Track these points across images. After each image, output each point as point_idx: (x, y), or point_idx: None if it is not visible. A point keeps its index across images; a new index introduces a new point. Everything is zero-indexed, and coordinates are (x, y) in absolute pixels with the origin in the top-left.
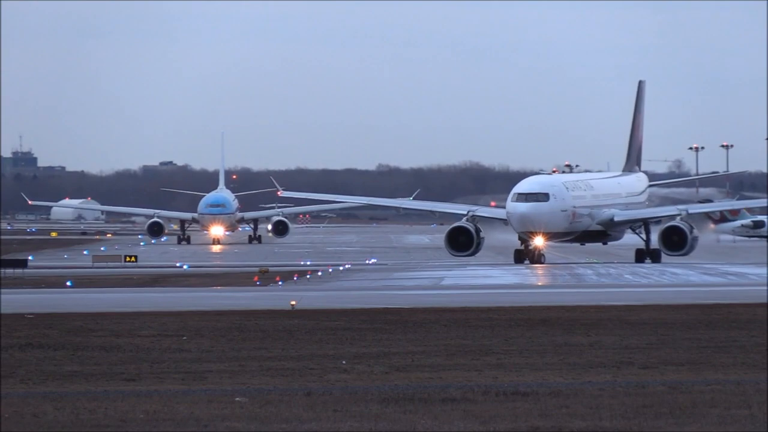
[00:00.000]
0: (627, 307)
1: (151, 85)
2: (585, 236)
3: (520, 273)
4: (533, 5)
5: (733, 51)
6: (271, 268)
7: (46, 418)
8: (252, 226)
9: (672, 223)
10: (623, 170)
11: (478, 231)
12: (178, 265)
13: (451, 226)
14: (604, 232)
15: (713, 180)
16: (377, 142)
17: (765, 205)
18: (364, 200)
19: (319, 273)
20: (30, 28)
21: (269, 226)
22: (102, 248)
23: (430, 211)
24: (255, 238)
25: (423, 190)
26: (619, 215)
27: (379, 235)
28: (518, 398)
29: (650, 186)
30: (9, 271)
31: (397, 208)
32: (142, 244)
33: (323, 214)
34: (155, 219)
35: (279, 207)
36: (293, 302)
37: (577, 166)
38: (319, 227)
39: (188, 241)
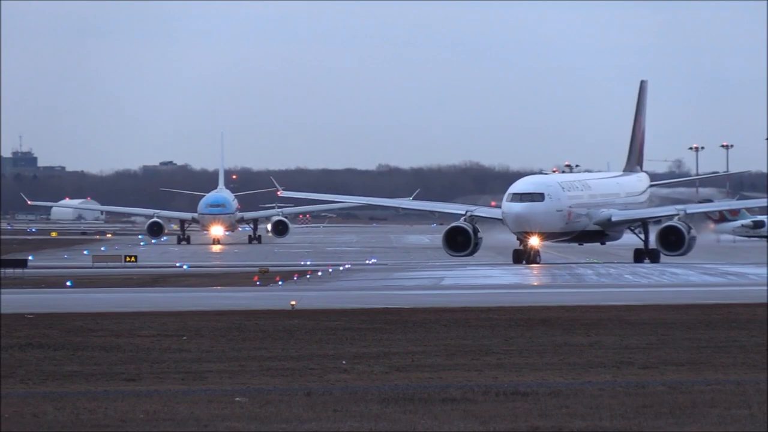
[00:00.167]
0: (627, 307)
1: (151, 85)
2: (583, 236)
3: (519, 273)
4: (533, 5)
5: (733, 51)
6: (271, 268)
7: (46, 418)
8: (252, 226)
9: (669, 223)
10: (624, 170)
11: (476, 231)
12: (178, 265)
13: (449, 226)
14: (602, 232)
15: (713, 180)
16: (377, 142)
17: (765, 205)
18: (364, 200)
19: (319, 273)
20: (30, 28)
21: (269, 226)
22: (102, 248)
23: (429, 211)
24: (255, 238)
25: (423, 190)
26: (617, 215)
27: (379, 235)
28: (518, 398)
29: (651, 186)
30: (9, 271)
31: (396, 208)
32: (142, 244)
33: (323, 214)
34: (155, 219)
35: (279, 207)
36: (293, 302)
37: (577, 166)
38: (319, 227)
39: (188, 241)
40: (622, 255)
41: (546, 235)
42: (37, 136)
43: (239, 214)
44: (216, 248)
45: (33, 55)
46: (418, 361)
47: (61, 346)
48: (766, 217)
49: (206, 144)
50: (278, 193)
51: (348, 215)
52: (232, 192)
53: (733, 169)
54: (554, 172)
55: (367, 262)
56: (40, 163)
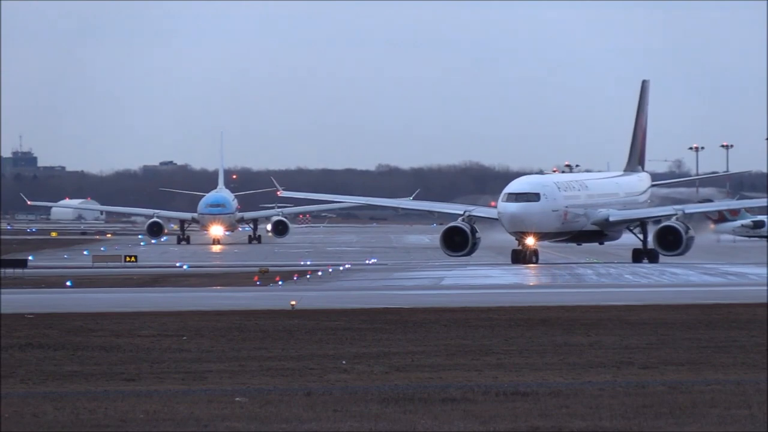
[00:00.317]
0: (627, 307)
1: (151, 85)
2: (581, 236)
3: (519, 273)
4: (533, 5)
5: (733, 51)
6: (271, 268)
7: (46, 418)
8: (252, 226)
9: (667, 223)
10: (625, 170)
11: (473, 231)
12: (178, 265)
13: (446, 226)
14: (601, 232)
15: (713, 180)
16: (377, 142)
17: (765, 204)
18: (365, 200)
19: (319, 273)
20: (30, 28)
21: (269, 226)
22: (102, 248)
23: (429, 211)
24: (255, 238)
25: (423, 190)
26: (615, 215)
27: (379, 235)
28: (518, 398)
29: (652, 186)
30: (9, 271)
31: (396, 208)
32: (142, 244)
33: (323, 214)
34: (155, 219)
35: (279, 207)
36: (293, 302)
37: (577, 166)
38: (319, 227)
39: (188, 241)
40: (621, 255)
41: (542, 235)
42: (37, 136)
43: (239, 214)
44: (216, 248)
45: (33, 55)
46: (418, 361)
47: (61, 346)
48: (766, 217)
49: (206, 144)
50: (278, 193)
51: (348, 215)
52: (232, 192)
53: (733, 169)
54: (554, 171)
55: (367, 262)
56: (40, 163)
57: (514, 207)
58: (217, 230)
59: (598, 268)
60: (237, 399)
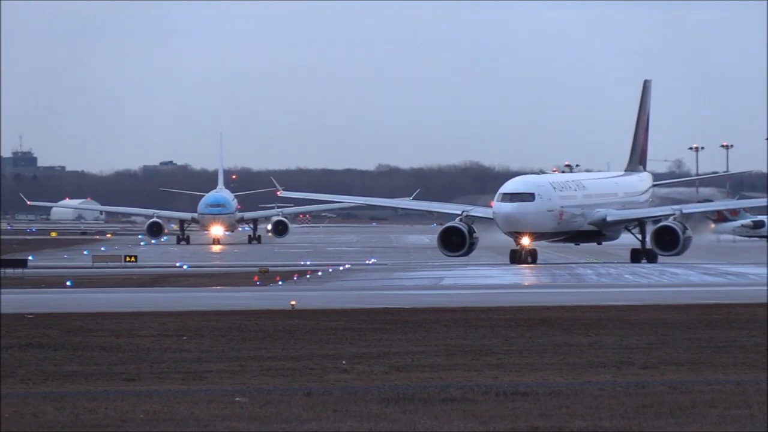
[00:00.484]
0: (627, 307)
1: (151, 86)
2: (578, 236)
3: (518, 273)
4: (533, 5)
5: (733, 51)
6: (271, 268)
7: (46, 418)
8: (251, 226)
9: (664, 223)
10: (626, 170)
11: (471, 231)
12: (178, 265)
13: (444, 226)
14: (598, 232)
15: (714, 180)
16: (377, 142)
17: (764, 204)
18: (365, 200)
19: (319, 273)
20: (30, 28)
21: (269, 226)
22: (102, 248)
23: (427, 211)
24: (254, 238)
25: (423, 190)
26: (612, 215)
27: (379, 235)
28: (518, 398)
29: (653, 186)
30: (9, 271)
31: (395, 208)
32: (142, 244)
33: (323, 214)
34: (154, 219)
35: (279, 207)
36: (293, 302)
37: (577, 165)
38: (319, 227)
39: (187, 241)
40: (620, 255)
41: (537, 235)
42: (37, 136)
43: (239, 214)
44: (216, 248)
45: (33, 55)
46: (418, 361)
47: (61, 346)
48: (766, 217)
49: (206, 144)
50: (278, 193)
51: (348, 215)
52: (232, 192)
53: (733, 169)
54: (554, 171)
55: (367, 262)
56: (40, 163)
57: (508, 207)
58: (217, 230)
59: (598, 268)
60: (237, 399)
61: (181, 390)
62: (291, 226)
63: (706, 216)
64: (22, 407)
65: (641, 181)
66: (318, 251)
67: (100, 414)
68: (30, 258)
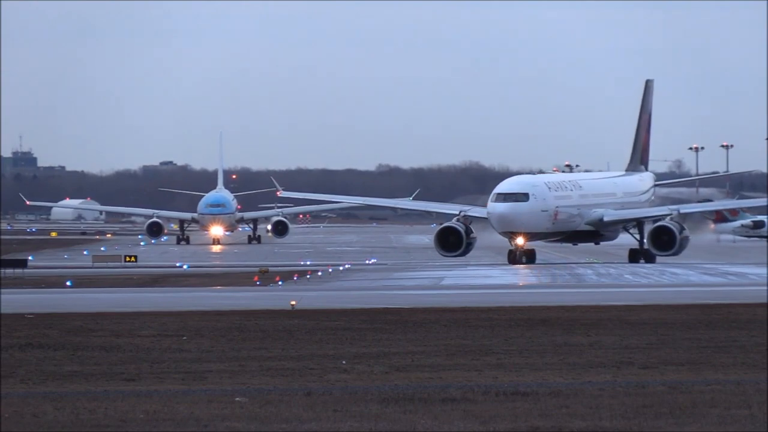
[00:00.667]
0: (627, 307)
1: (151, 86)
2: (575, 236)
3: (518, 273)
4: (533, 5)
5: (733, 51)
6: (271, 268)
7: (46, 418)
8: (251, 226)
9: (661, 223)
10: (627, 170)
11: (468, 231)
12: (178, 265)
13: (441, 226)
14: (596, 232)
15: (714, 180)
16: (377, 142)
17: (764, 204)
18: (365, 200)
19: (319, 273)
20: (30, 28)
21: (269, 226)
22: (102, 248)
23: (426, 211)
24: (254, 239)
25: (423, 190)
26: (609, 215)
27: (379, 235)
28: (518, 398)
29: (654, 186)
30: (9, 271)
31: (394, 208)
32: (142, 244)
33: (323, 214)
34: (154, 219)
35: (279, 207)
36: (293, 302)
37: (577, 165)
38: (319, 227)
39: (187, 241)
40: (618, 255)
41: (531, 236)
42: (37, 136)
43: (239, 214)
44: (216, 248)
45: (33, 55)
46: (418, 361)
47: (61, 346)
48: (766, 217)
49: (206, 144)
50: (278, 193)
51: (348, 215)
52: (232, 192)
53: (733, 169)
54: (554, 171)
55: (367, 262)
56: (40, 163)
57: (502, 207)
58: (217, 230)
59: (598, 268)
60: (237, 399)
61: (181, 390)
62: (291, 226)
63: (705, 216)
64: (22, 407)
65: (641, 181)
66: (318, 251)
67: (100, 414)
68: (30, 258)
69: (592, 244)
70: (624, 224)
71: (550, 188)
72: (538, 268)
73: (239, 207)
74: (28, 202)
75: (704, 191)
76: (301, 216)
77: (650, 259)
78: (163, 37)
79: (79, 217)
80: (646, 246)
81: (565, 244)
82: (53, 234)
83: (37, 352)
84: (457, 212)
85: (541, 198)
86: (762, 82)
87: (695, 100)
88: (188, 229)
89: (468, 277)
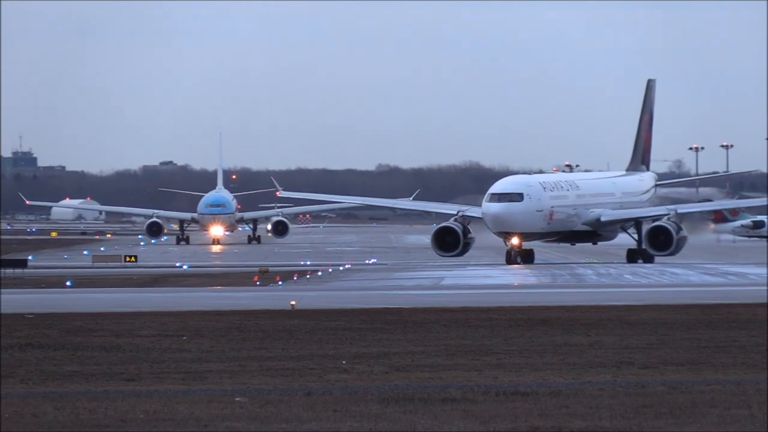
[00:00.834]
0: (627, 307)
1: (151, 86)
2: (573, 236)
3: (518, 273)
4: (533, 5)
5: (733, 51)
6: (271, 268)
7: (46, 418)
8: (251, 226)
9: (657, 223)
10: (627, 170)
11: (465, 231)
12: (178, 265)
13: (438, 226)
14: (594, 232)
15: (714, 180)
16: (377, 142)
17: (764, 204)
18: (364, 200)
19: (319, 273)
20: (30, 28)
21: (269, 227)
22: (102, 248)
23: (426, 211)
24: (254, 239)
25: (423, 190)
26: (606, 215)
27: (379, 235)
28: (518, 398)
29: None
30: (9, 271)
31: (393, 209)
32: (141, 244)
33: (323, 214)
34: (154, 219)
35: (279, 207)
36: (293, 302)
37: (577, 165)
38: (319, 227)
39: (187, 241)
40: (618, 255)
41: (526, 236)
42: (37, 136)
43: (239, 214)
44: (216, 248)
45: (33, 55)
46: (418, 361)
47: (61, 346)
48: (766, 217)
49: (206, 144)
50: (278, 193)
51: (348, 215)
52: (232, 192)
53: (733, 169)
54: (555, 171)
55: (367, 262)
56: (40, 163)
57: (496, 207)
58: (216, 230)
59: (598, 268)
60: (237, 399)
61: (181, 390)
62: (291, 226)
63: (704, 216)
64: (22, 407)
65: (641, 181)
66: (318, 251)
67: (100, 414)
68: (30, 258)
69: (590, 244)
70: (622, 224)
71: (545, 188)
72: (537, 268)
73: (239, 207)
74: (27, 202)
75: (704, 191)
76: (301, 216)
77: (648, 259)
78: (163, 37)
79: (79, 217)
80: (644, 246)
81: (562, 244)
82: (53, 234)
83: (37, 352)
84: (456, 212)
85: (536, 198)
86: (762, 82)
87: (695, 100)
88: (188, 229)
89: (468, 277)
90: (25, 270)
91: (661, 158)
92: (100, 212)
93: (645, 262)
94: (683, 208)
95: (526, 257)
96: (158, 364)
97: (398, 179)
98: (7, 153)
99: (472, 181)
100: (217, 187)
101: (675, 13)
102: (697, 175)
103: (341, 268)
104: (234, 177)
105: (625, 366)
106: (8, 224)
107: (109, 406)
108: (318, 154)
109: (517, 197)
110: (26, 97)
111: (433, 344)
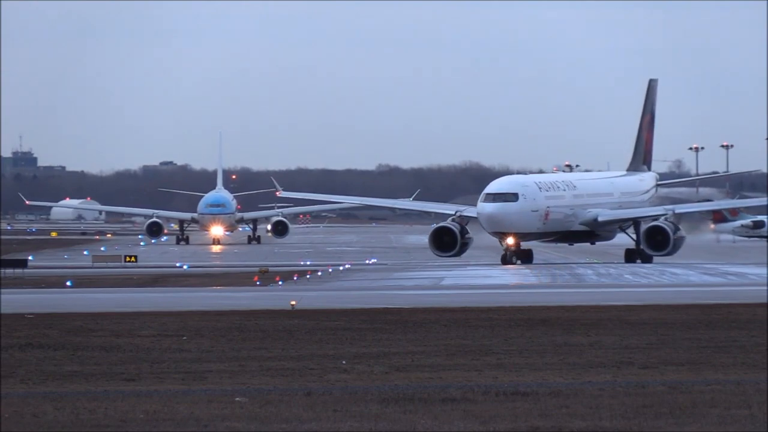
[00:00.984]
0: (627, 307)
1: (151, 86)
2: (570, 236)
3: (518, 273)
4: (533, 5)
5: (733, 51)
6: (271, 268)
7: (46, 418)
8: (251, 226)
9: (655, 223)
10: (628, 170)
11: (463, 231)
12: (178, 265)
13: (435, 226)
14: (591, 232)
15: (714, 180)
16: (377, 142)
17: (764, 204)
18: (364, 200)
19: (319, 273)
20: (30, 28)
21: (269, 227)
22: (102, 248)
23: (425, 211)
24: (254, 239)
25: (423, 190)
26: (604, 215)
27: (379, 235)
28: (518, 398)
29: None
30: (9, 271)
31: (392, 209)
32: (141, 244)
33: (323, 214)
34: (154, 219)
35: (279, 207)
36: (293, 302)
37: (577, 165)
38: (319, 227)
39: (187, 241)
40: (617, 255)
41: (521, 236)
42: (37, 136)
43: (239, 215)
44: (216, 248)
45: (33, 55)
46: (418, 361)
47: (61, 346)
48: (766, 217)
49: (206, 144)
50: (277, 193)
51: (348, 215)
52: (232, 192)
53: (733, 169)
54: (555, 171)
55: (367, 262)
56: (40, 163)
57: (491, 207)
58: (216, 230)
59: (598, 268)
60: (237, 399)
61: (181, 390)
62: (291, 226)
63: (704, 216)
64: (22, 407)
65: (641, 181)
66: (318, 251)
67: (100, 414)
68: (30, 258)
69: (588, 244)
70: (620, 224)
71: (540, 188)
72: (537, 268)
73: (239, 207)
74: (27, 202)
75: (704, 191)
76: (301, 216)
77: (646, 259)
78: (163, 37)
79: (79, 217)
80: (641, 246)
81: (560, 244)
82: (53, 234)
83: (37, 352)
84: (454, 212)
85: (531, 198)
86: (762, 82)
87: (695, 100)
88: (188, 229)
89: (468, 277)
90: (25, 270)
91: (661, 158)
92: (100, 212)
93: (643, 262)
94: (681, 208)
95: (524, 257)
96: (158, 364)
97: (398, 179)
98: (7, 153)
99: (473, 181)
100: (217, 187)
101: (675, 13)
102: (697, 175)
103: (341, 268)
104: (234, 177)
105: (625, 366)
106: (8, 224)
107: (109, 406)
108: (318, 154)
109: (512, 197)
110: (26, 97)
111: (433, 344)
